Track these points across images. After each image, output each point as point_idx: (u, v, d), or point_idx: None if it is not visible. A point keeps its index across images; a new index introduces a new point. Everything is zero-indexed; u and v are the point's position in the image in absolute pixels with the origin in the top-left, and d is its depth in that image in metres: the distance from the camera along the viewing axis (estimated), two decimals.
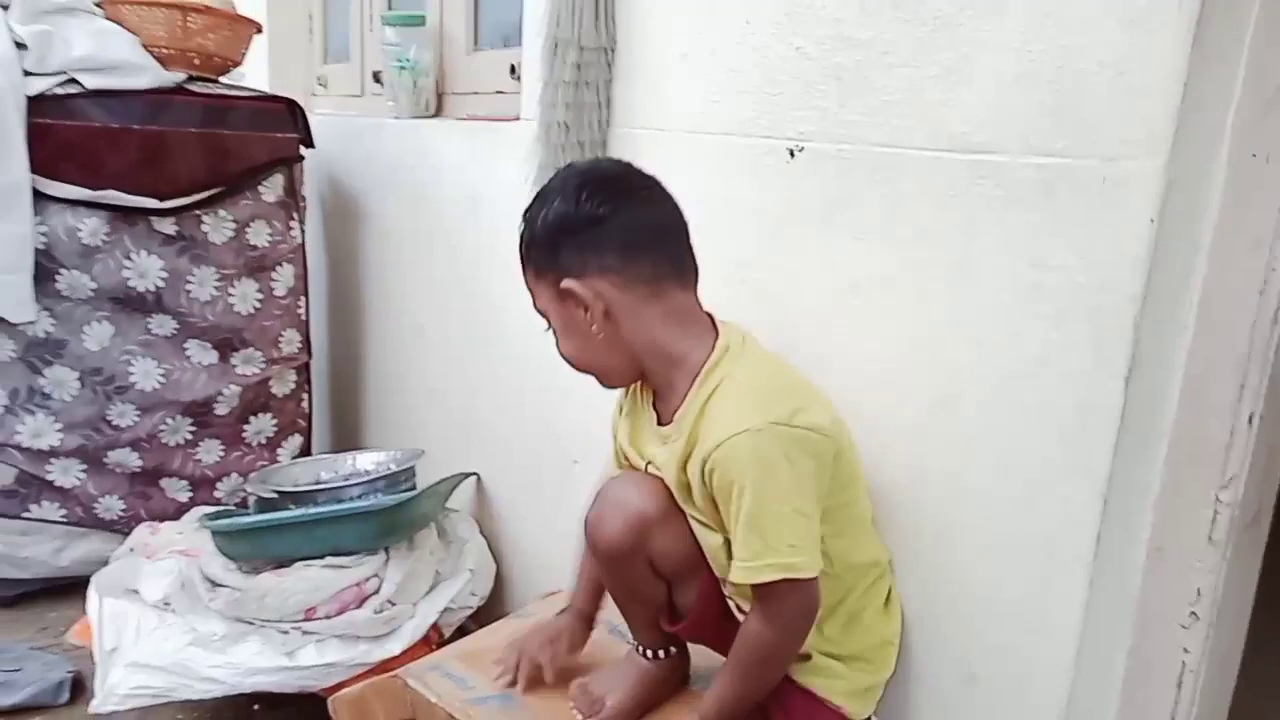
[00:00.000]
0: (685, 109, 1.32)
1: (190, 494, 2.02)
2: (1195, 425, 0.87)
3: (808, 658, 1.04)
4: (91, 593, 1.59)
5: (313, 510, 1.53)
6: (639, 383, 1.08)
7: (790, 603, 0.94)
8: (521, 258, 1.04)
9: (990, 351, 0.97)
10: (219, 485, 2.02)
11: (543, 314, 1.04)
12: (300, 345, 2.10)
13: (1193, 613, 0.89)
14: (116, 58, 1.82)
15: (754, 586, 0.93)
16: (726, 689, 1.00)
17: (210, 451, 2.02)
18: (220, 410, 1.99)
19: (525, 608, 1.44)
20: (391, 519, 1.56)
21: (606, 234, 0.97)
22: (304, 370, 2.14)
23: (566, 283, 0.98)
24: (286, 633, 1.47)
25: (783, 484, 0.91)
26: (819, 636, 1.03)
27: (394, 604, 1.53)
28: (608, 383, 1.08)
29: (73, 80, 1.78)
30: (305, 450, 2.14)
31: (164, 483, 1.99)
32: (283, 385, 2.09)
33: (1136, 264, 0.84)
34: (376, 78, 2.31)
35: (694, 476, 0.96)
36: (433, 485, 1.65)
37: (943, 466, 1.02)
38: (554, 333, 1.04)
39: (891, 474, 1.08)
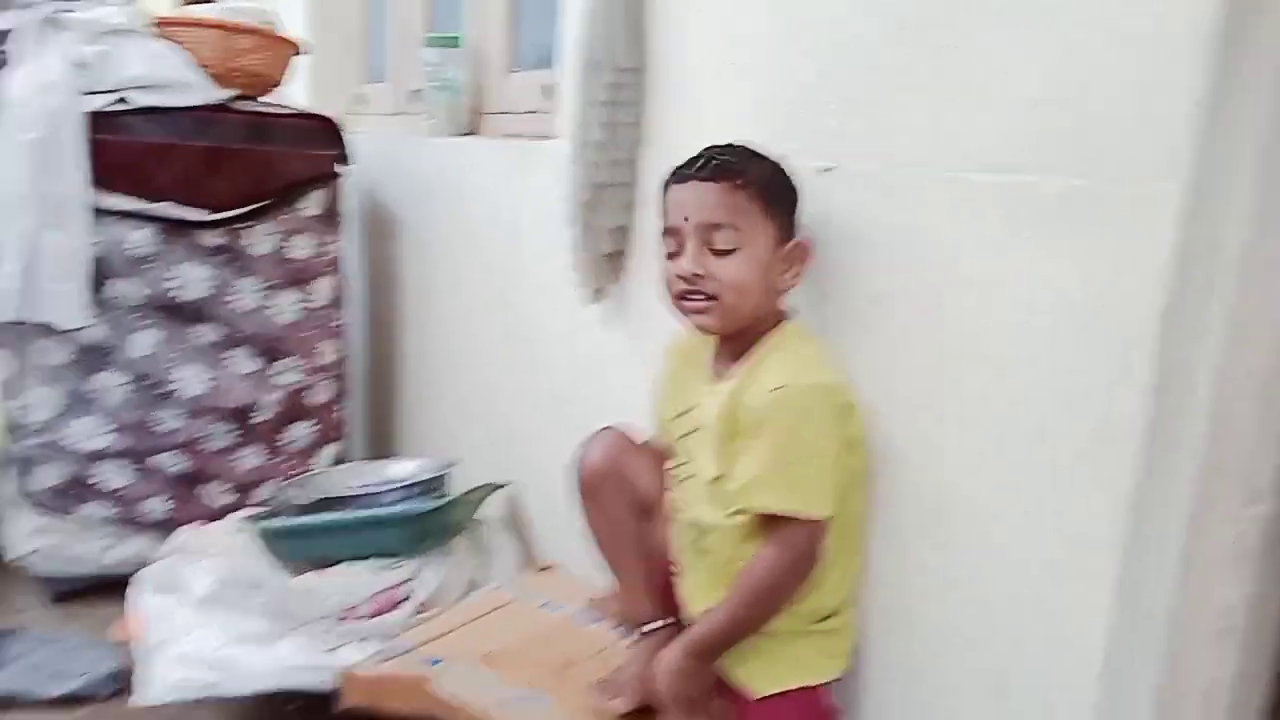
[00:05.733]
0: (716, 129, 1.35)
1: (231, 498, 2.07)
2: (1223, 441, 0.89)
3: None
4: (136, 590, 1.64)
5: (351, 514, 1.58)
6: (702, 344, 1.20)
7: (801, 539, 1.04)
8: (734, 173, 1.09)
9: (1013, 370, 0.99)
10: (258, 490, 2.08)
11: (727, 225, 1.09)
12: (338, 355, 2.16)
13: (1222, 629, 0.91)
14: (169, 76, 1.90)
15: (767, 521, 1.05)
16: (721, 614, 1.08)
17: (250, 457, 2.08)
18: (260, 417, 2.05)
19: (509, 582, 1.51)
20: (425, 525, 1.60)
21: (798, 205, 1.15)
22: (341, 380, 2.19)
23: (803, 237, 1.13)
24: (326, 632, 1.51)
25: (818, 434, 1.04)
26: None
27: (427, 608, 1.57)
28: (727, 321, 1.12)
29: (125, 99, 1.86)
30: (341, 458, 2.19)
31: (206, 486, 2.05)
32: (320, 394, 2.15)
33: (1159, 284, 0.87)
34: (415, 97, 2.38)
35: (743, 407, 1.07)
36: (466, 492, 1.69)
37: (966, 483, 1.05)
38: (724, 251, 1.09)
39: (915, 491, 1.10)
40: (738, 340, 1.13)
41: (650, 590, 1.23)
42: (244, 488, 2.09)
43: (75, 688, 1.66)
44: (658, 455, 1.22)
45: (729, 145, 1.14)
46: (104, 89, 1.83)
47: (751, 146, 1.14)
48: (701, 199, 1.09)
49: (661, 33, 1.45)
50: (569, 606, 1.46)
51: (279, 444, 2.10)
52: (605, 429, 1.27)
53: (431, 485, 1.73)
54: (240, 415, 2.04)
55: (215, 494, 2.06)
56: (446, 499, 1.64)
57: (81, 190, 1.77)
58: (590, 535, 1.27)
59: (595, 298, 1.60)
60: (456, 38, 2.12)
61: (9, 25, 1.84)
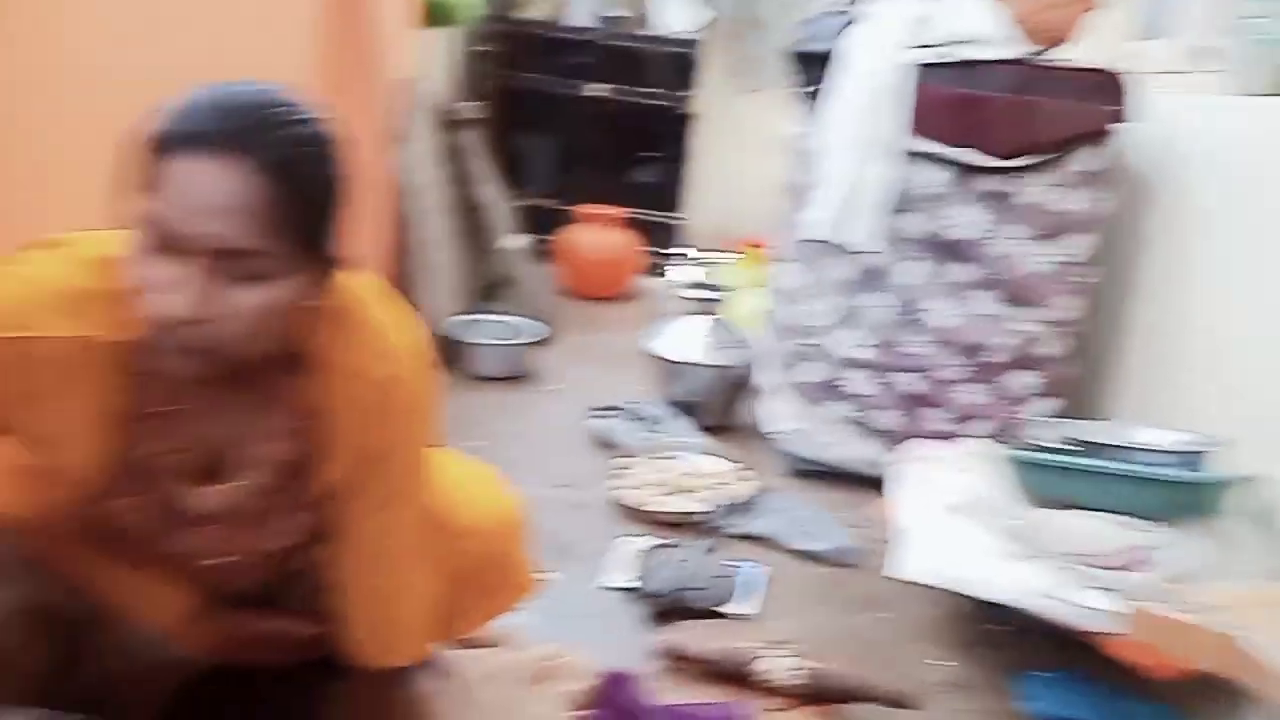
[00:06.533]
0: None
1: (946, 426, 2.24)
2: None
3: None
4: (893, 482, 1.89)
5: (1115, 465, 1.60)
6: None
7: None
8: None
9: None
10: (977, 424, 2.22)
11: None
12: (1079, 313, 2.18)
13: None
14: (984, 31, 2.06)
15: None
16: None
17: (970, 393, 2.22)
18: (993, 358, 2.18)
19: None
20: (1188, 496, 1.55)
21: None
22: (1077, 337, 2.21)
23: None
24: (1065, 569, 1.57)
25: None
26: None
27: (1175, 580, 1.53)
28: None
29: (947, 52, 2.07)
30: (1063, 414, 2.22)
31: (929, 410, 2.25)
32: (1051, 347, 2.19)
33: None
34: (1208, 53, 2.22)
35: None
36: (1235, 475, 1.59)
37: None
38: None
39: None
40: None
41: None
42: (959, 419, 2.25)
43: (817, 547, 2.00)
44: None
45: None
46: (931, 43, 2.07)
47: None
48: None
49: None
50: None
51: (1004, 386, 2.21)
52: None
53: (1189, 459, 1.66)
54: (974, 352, 2.19)
55: (935, 419, 2.26)
56: (1219, 476, 1.56)
57: (899, 133, 2.04)
58: None
59: None
60: None
61: None
